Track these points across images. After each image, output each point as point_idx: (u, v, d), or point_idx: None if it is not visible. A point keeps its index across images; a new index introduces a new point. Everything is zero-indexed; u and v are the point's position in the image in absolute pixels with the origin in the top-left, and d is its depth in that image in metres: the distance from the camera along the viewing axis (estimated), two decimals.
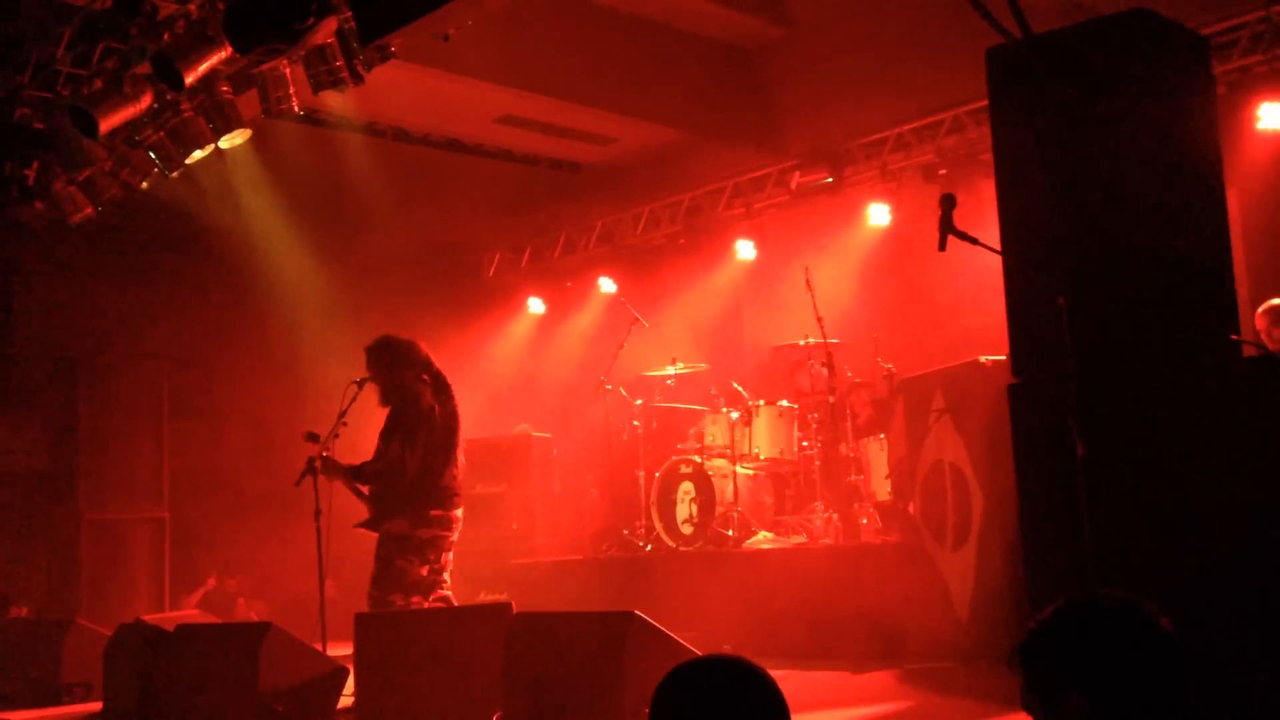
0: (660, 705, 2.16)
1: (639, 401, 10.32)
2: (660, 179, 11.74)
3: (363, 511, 7.41)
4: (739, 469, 9.33)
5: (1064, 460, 4.11)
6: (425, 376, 7.27)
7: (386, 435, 7.18)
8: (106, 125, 7.69)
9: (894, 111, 10.05)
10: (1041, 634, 2.30)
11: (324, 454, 7.10)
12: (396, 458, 7.05)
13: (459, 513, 7.25)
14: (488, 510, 10.20)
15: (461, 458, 7.37)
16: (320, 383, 9.30)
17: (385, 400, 7.28)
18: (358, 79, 7.46)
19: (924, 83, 9.73)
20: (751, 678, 2.18)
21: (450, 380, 7.41)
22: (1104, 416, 4.17)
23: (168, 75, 7.23)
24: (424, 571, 7.09)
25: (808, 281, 9.36)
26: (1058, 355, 4.16)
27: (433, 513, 7.13)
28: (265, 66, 7.60)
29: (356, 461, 7.27)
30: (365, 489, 7.30)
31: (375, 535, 7.25)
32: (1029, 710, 2.29)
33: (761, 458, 9.39)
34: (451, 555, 7.31)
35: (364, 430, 7.50)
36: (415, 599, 7.05)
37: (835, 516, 8.88)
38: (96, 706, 7.58)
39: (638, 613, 5.70)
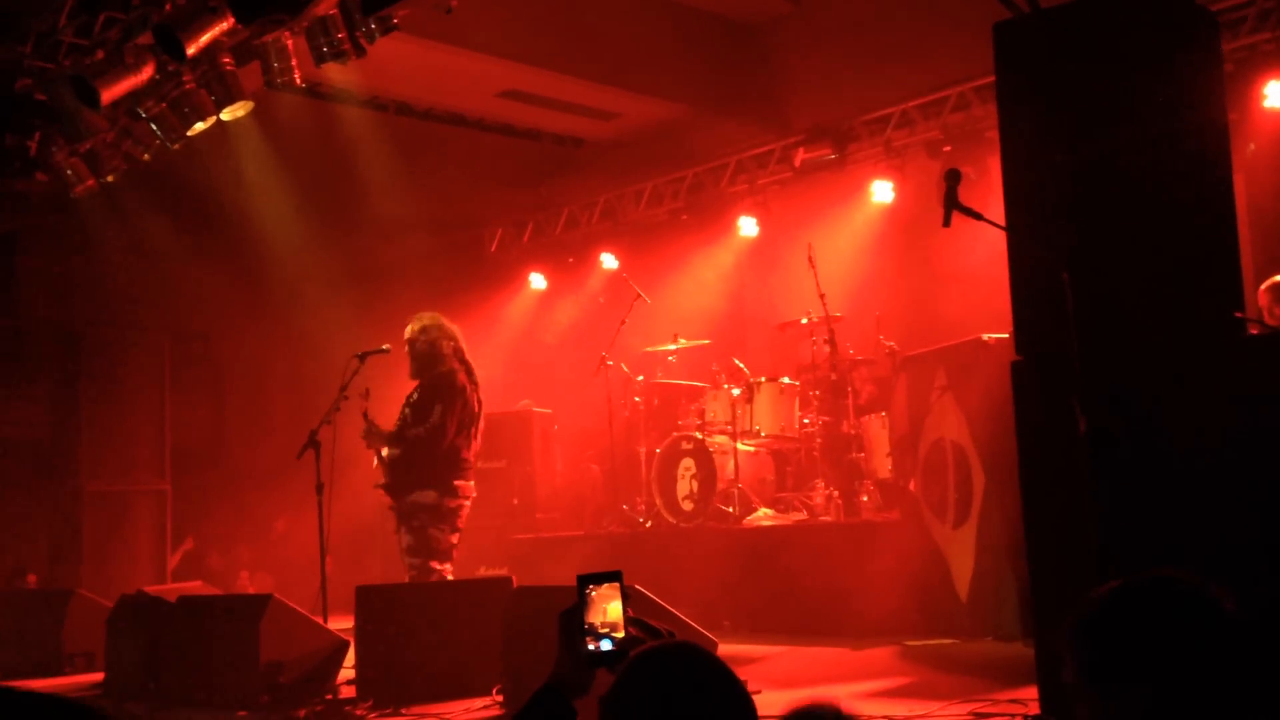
0: (621, 693, 2.09)
1: (640, 377, 10.31)
2: (663, 155, 11.70)
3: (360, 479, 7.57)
4: (740, 445, 9.32)
5: (1066, 438, 4.10)
6: (457, 363, 7.55)
7: (422, 404, 7.43)
8: (108, 96, 7.66)
9: (898, 88, 10.00)
10: (1104, 615, 1.99)
11: (367, 421, 7.36)
12: (438, 424, 7.32)
13: (473, 484, 7.55)
14: (489, 485, 10.18)
15: (476, 438, 7.62)
16: (322, 356, 9.30)
17: (418, 373, 7.54)
18: (360, 51, 7.43)
19: (929, 59, 9.68)
20: (712, 666, 2.12)
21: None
22: (1107, 394, 4.16)
23: (170, 46, 7.20)
24: (454, 539, 7.40)
25: (810, 258, 9.33)
26: (1061, 332, 4.15)
27: (455, 483, 7.42)
28: (267, 38, 7.56)
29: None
30: (386, 455, 7.47)
31: (371, 507, 7.46)
32: (1075, 697, 2.02)
33: (763, 434, 9.39)
34: None
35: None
36: (447, 565, 7.36)
37: (836, 493, 8.88)
38: (98, 677, 7.62)
39: (638, 587, 5.71)
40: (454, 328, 7.65)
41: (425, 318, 7.61)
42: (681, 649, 2.12)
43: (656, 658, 2.11)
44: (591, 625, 2.36)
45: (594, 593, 2.39)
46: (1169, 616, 1.94)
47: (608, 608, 2.38)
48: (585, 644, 2.35)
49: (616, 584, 2.40)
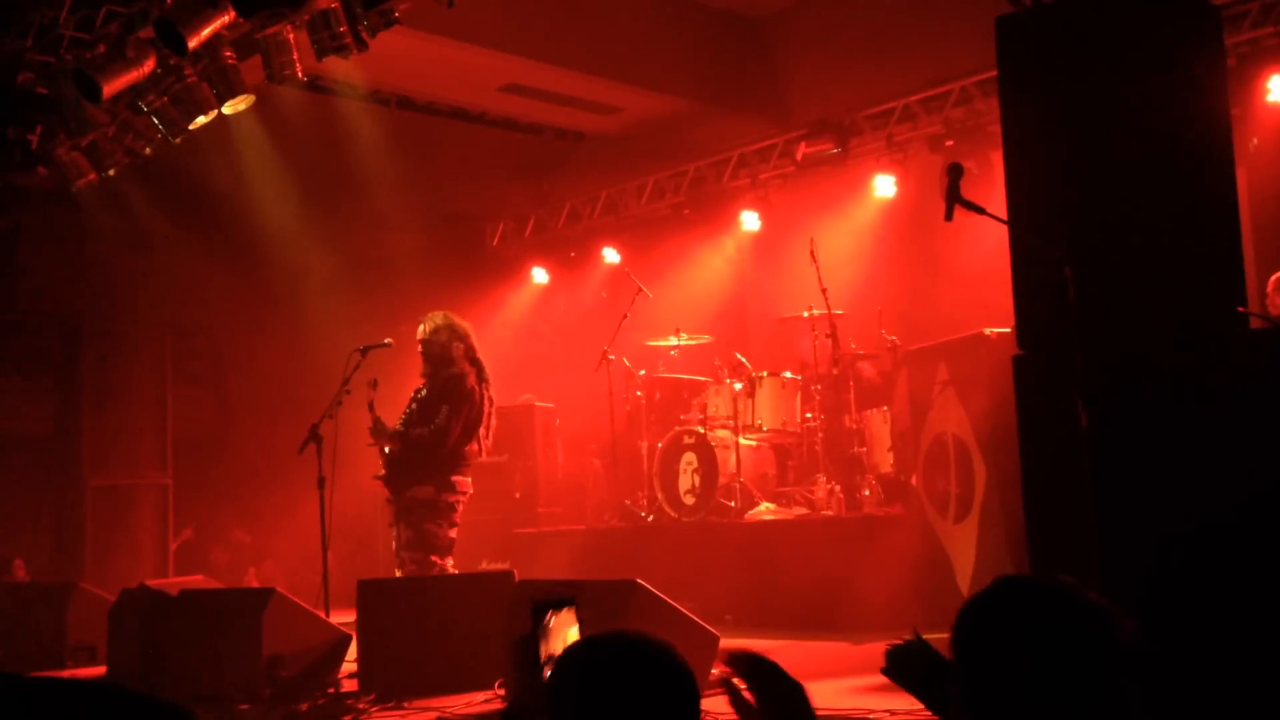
0: (561, 678, 2.06)
1: (642, 372, 10.31)
2: (665, 149, 11.69)
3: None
4: (742, 440, 9.32)
5: (1068, 433, 4.10)
6: (468, 364, 7.58)
7: (430, 403, 7.48)
8: (110, 90, 7.65)
9: (901, 82, 9.99)
10: (974, 609, 1.99)
11: (374, 415, 7.40)
12: (443, 425, 7.37)
13: (470, 480, 7.60)
14: (490, 479, 10.20)
15: (487, 438, 7.68)
16: (324, 350, 9.29)
17: (430, 374, 7.58)
18: (362, 45, 7.42)
19: (931, 53, 9.67)
20: (661, 657, 2.10)
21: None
22: (1109, 389, 4.15)
23: (171, 40, 7.20)
24: (452, 534, 7.46)
25: (812, 253, 9.33)
26: (1063, 327, 4.14)
27: (453, 478, 7.47)
28: (269, 31, 7.55)
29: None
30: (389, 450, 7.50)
31: (374, 501, 7.46)
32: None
33: (764, 429, 9.39)
34: None
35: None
36: (449, 559, 7.42)
37: (837, 488, 8.88)
38: (100, 670, 7.63)
39: (640, 581, 5.72)
40: (464, 325, 7.69)
41: (436, 318, 7.62)
42: (609, 636, 2.10)
43: (583, 649, 2.10)
44: (550, 656, 2.32)
45: (551, 620, 2.36)
46: (1024, 621, 1.89)
47: (566, 634, 2.35)
48: (542, 674, 2.31)
49: (572, 609, 2.37)
